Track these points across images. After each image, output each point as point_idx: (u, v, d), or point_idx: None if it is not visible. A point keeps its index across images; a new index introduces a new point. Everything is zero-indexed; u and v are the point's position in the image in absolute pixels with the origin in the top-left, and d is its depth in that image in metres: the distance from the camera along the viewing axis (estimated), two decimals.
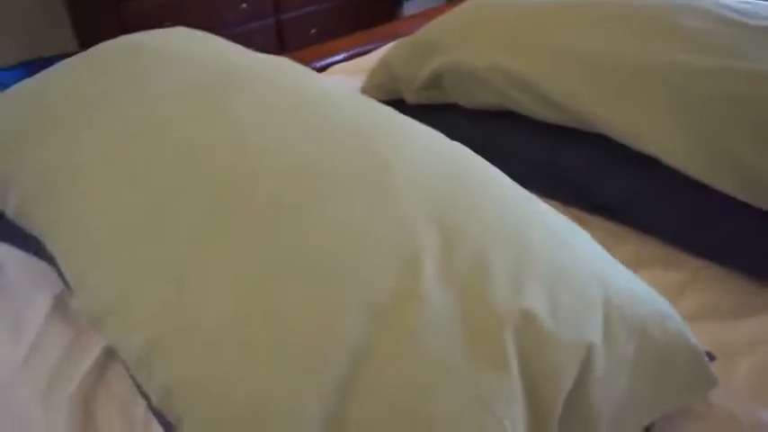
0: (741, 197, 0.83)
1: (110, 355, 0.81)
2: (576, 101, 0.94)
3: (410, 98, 1.19)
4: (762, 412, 0.71)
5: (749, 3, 1.02)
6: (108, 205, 0.62)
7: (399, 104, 1.22)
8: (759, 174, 0.80)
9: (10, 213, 0.77)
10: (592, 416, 0.52)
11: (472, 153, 0.69)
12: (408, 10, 3.31)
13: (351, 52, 1.72)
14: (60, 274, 0.75)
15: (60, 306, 0.85)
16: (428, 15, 1.88)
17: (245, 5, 2.66)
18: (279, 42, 2.86)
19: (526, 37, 1.03)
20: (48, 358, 0.79)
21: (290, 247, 0.54)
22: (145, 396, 0.67)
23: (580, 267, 0.57)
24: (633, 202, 0.96)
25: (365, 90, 1.27)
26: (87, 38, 2.35)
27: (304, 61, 1.66)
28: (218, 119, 0.64)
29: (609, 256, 0.63)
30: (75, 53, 0.90)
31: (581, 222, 1.00)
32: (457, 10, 1.20)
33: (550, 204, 1.02)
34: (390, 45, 1.56)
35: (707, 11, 0.99)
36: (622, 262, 0.91)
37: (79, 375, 0.78)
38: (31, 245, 0.78)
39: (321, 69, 1.59)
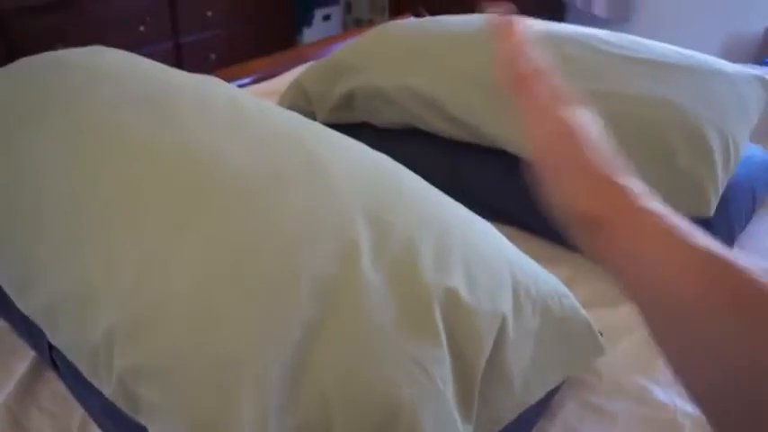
0: None
1: (37, 371, 0.81)
2: (478, 118, 1.05)
3: (322, 117, 1.26)
4: (639, 378, 0.84)
5: (615, 35, 1.19)
6: (67, 204, 0.63)
7: None
8: None
9: None
10: (507, 375, 0.61)
11: (391, 159, 0.77)
12: (307, 37, 3.40)
13: (255, 76, 1.77)
14: None
15: None
16: (328, 42, 1.97)
17: (142, 28, 2.64)
18: (177, 67, 2.84)
19: (432, 60, 1.14)
20: None
21: (248, 232, 0.59)
22: (90, 401, 0.68)
23: (491, 250, 0.66)
24: (523, 207, 1.08)
25: None
26: None
27: None
28: (167, 126, 0.68)
29: (510, 244, 0.73)
30: None
31: None
32: (367, 34, 1.30)
33: None
34: (301, 68, 1.63)
35: (582, 42, 1.14)
36: None
37: (5, 392, 0.77)
38: None
39: None
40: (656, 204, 0.38)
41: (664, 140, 0.94)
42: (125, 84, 0.75)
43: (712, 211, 0.92)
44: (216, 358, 0.52)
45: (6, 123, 0.74)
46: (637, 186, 0.40)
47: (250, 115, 0.74)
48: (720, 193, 0.94)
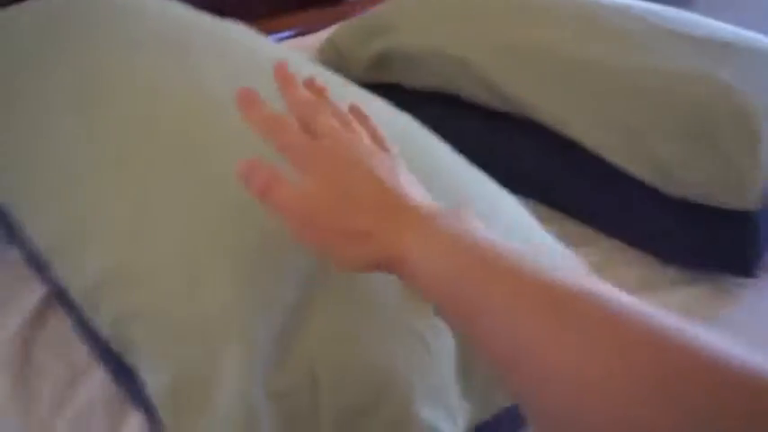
0: (650, 182, 0.92)
1: (48, 303, 0.81)
2: (513, 88, 1.01)
3: (356, 76, 1.22)
4: None
5: (672, 11, 1.12)
6: (65, 143, 0.63)
7: None
8: (668, 162, 0.89)
9: None
10: None
11: (417, 122, 0.75)
12: None
13: (297, 30, 1.74)
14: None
15: None
16: (373, 0, 1.92)
17: None
18: None
19: (469, 24, 1.09)
20: None
21: None
22: (89, 339, 0.68)
23: (507, 220, 0.63)
24: (558, 185, 1.03)
25: None
26: None
27: None
28: (179, 68, 0.66)
29: (533, 221, 0.70)
30: None
31: None
32: None
33: None
34: (337, 25, 1.60)
35: (634, 15, 1.08)
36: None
37: (16, 323, 0.78)
38: None
39: None
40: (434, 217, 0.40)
41: (708, 121, 0.88)
42: (143, 23, 0.74)
43: (752, 203, 0.86)
44: (202, 311, 0.50)
45: (13, 62, 0.73)
46: (419, 207, 0.41)
47: (267, 62, 0.71)
48: (765, 186, 0.88)
